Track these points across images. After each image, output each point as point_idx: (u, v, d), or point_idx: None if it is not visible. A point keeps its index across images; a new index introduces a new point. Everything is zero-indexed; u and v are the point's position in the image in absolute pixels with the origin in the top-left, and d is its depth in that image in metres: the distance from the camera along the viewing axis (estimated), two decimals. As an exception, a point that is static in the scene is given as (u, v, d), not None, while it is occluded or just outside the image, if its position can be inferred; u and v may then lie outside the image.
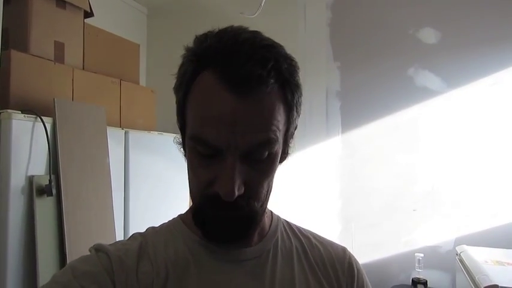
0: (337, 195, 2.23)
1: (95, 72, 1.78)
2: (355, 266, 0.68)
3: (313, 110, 2.27)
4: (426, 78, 2.10)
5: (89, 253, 0.60)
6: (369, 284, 0.70)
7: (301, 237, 0.70)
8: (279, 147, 0.56)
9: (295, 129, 0.63)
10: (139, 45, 2.05)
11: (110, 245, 0.61)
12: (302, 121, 2.34)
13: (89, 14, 1.79)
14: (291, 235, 0.69)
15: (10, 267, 1.37)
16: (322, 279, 0.64)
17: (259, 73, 0.50)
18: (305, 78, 2.28)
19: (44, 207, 1.46)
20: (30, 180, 1.44)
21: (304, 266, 0.65)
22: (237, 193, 0.51)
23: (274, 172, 0.59)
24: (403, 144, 2.14)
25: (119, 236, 1.75)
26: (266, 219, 0.68)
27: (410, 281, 1.94)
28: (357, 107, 2.21)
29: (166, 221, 0.70)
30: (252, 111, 0.51)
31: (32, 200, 1.44)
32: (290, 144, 0.64)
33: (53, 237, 1.48)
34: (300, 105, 0.60)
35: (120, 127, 1.88)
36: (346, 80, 2.24)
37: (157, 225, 0.68)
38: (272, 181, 0.59)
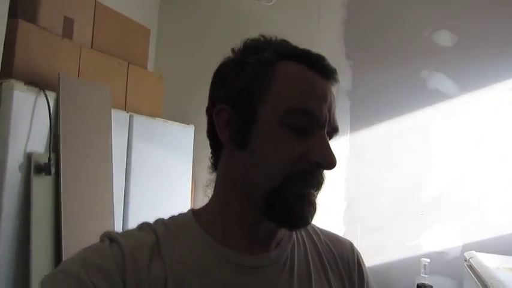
0: (343, 196, 2.17)
1: (102, 52, 1.72)
2: (362, 264, 0.73)
3: (322, 107, 2.22)
4: (439, 81, 2.06)
5: (100, 240, 0.58)
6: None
7: (312, 235, 0.71)
8: None
9: None
10: (150, 30, 2.00)
11: (122, 235, 0.58)
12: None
13: (100, -8, 1.74)
14: (304, 235, 0.70)
15: (2, 247, 1.29)
16: (336, 281, 0.66)
17: (335, 68, 0.61)
18: (316, 74, 2.24)
19: (42, 186, 1.39)
20: (29, 157, 1.37)
21: (319, 269, 0.66)
22: (336, 162, 0.57)
23: None
24: (413, 148, 2.09)
25: (118, 222, 1.67)
26: None
27: (415, 286, 1.88)
28: (367, 107, 2.17)
29: (177, 215, 0.65)
30: (334, 97, 0.61)
31: (29, 177, 1.36)
32: None
33: (49, 218, 1.41)
34: None
35: (125, 110, 1.81)
36: (358, 80, 2.19)
37: (166, 218, 0.64)
38: None
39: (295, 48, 0.62)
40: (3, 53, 1.32)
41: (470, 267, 1.62)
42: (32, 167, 1.37)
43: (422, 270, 1.88)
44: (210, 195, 0.66)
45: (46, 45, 1.50)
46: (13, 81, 1.31)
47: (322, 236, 0.72)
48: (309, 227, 0.72)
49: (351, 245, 0.74)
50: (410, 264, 2.00)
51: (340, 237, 0.75)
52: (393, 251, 2.05)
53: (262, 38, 0.64)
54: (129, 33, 1.88)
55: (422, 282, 1.86)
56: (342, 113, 2.21)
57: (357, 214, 2.14)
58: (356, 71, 2.19)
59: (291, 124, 0.56)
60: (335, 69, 0.61)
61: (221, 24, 2.43)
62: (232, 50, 0.64)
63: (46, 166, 1.39)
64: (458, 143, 2.02)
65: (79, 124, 1.53)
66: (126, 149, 1.77)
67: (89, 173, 1.55)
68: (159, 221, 0.62)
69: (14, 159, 1.33)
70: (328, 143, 0.58)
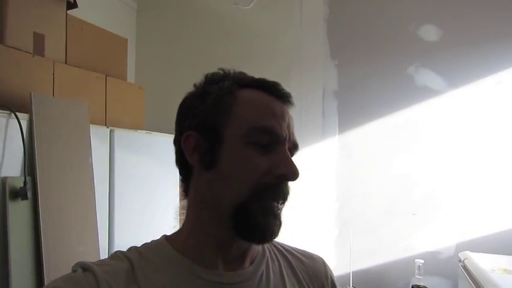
0: (334, 198, 2.14)
1: (78, 67, 1.66)
2: (334, 279, 0.76)
3: (309, 109, 2.18)
4: (427, 77, 2.02)
5: (72, 271, 0.59)
6: None
7: (285, 253, 0.74)
8: None
9: None
10: (127, 40, 1.94)
11: (96, 264, 0.59)
12: (297, 121, 2.25)
13: (72, 5, 1.68)
14: (277, 252, 0.73)
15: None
16: None
17: (289, 93, 0.67)
18: (301, 76, 2.19)
19: (19, 211, 1.35)
20: (3, 182, 1.32)
21: (294, 283, 0.69)
22: (299, 173, 0.61)
23: None
24: (403, 146, 2.06)
25: (103, 243, 1.63)
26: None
27: (410, 287, 1.86)
28: (354, 106, 2.13)
29: (149, 242, 0.67)
30: (292, 119, 0.66)
31: (5, 203, 1.32)
32: None
33: (29, 245, 1.37)
34: None
35: (106, 125, 1.76)
36: (344, 79, 2.15)
37: (139, 246, 0.66)
38: None
39: (253, 77, 0.68)
40: (-31, 77, 1.28)
41: (465, 268, 1.60)
42: (8, 192, 1.33)
43: (416, 271, 1.86)
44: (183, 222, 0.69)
45: (16, 65, 1.44)
46: (-19, 106, 1.27)
47: (294, 253, 0.76)
48: (281, 246, 0.76)
49: (323, 261, 0.78)
50: (405, 266, 1.97)
51: (313, 253, 0.79)
52: (387, 252, 2.02)
53: (221, 71, 0.69)
54: (105, 45, 1.82)
55: (417, 283, 1.84)
56: (329, 113, 2.16)
57: (349, 215, 2.11)
58: (341, 70, 2.14)
59: (254, 142, 0.61)
60: (289, 94, 0.67)
61: (201, 31, 2.37)
62: (194, 85, 0.69)
63: (22, 190, 1.35)
64: (449, 140, 1.98)
65: (55, 144, 1.48)
66: (108, 165, 1.73)
67: (69, 193, 1.51)
68: (132, 249, 0.64)
69: (-12, 185, 1.29)
70: (290, 156, 0.63)
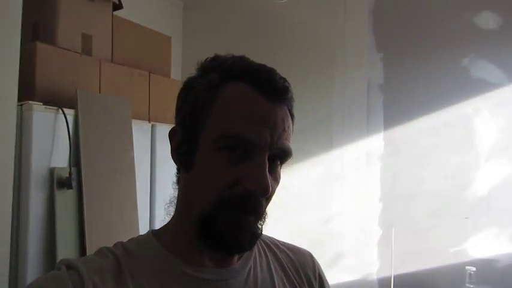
0: (378, 198, 2.05)
1: (123, 65, 1.75)
2: (322, 272, 0.74)
3: (353, 105, 2.10)
4: (484, 69, 1.85)
5: (56, 269, 0.57)
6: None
7: (273, 247, 0.72)
8: None
9: None
10: (171, 38, 2.01)
11: (80, 261, 0.57)
12: (340, 117, 2.19)
13: (118, 6, 1.78)
14: (264, 247, 0.71)
15: (31, 259, 1.37)
16: (297, 285, 0.68)
17: (286, 85, 0.59)
18: (344, 70, 2.12)
19: (64, 200, 1.45)
20: (52, 172, 1.44)
21: (282, 277, 0.68)
22: (270, 190, 0.55)
23: None
24: (455, 144, 1.91)
25: (143, 233, 1.71)
26: None
27: (459, 297, 1.73)
28: (402, 101, 2.01)
29: (136, 237, 0.65)
30: (283, 118, 0.58)
31: (52, 192, 1.43)
32: None
33: (73, 231, 1.47)
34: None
35: (149, 120, 1.84)
36: (390, 73, 2.04)
37: (125, 241, 0.63)
38: None
39: (246, 66, 0.60)
40: (24, 76, 1.39)
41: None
42: (55, 182, 1.44)
43: (467, 279, 1.73)
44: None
45: (66, 64, 1.56)
46: (31, 103, 1.38)
47: (281, 247, 0.73)
48: (268, 240, 0.73)
49: (311, 255, 0.76)
50: (454, 273, 1.83)
51: (300, 247, 0.77)
52: (434, 257, 1.89)
53: (216, 58, 0.62)
54: (150, 43, 1.90)
55: (467, 292, 1.71)
56: (374, 108, 2.07)
57: (393, 217, 2.00)
58: (387, 63, 2.04)
59: (226, 149, 0.56)
60: (286, 88, 0.59)
61: (245, 26, 2.38)
62: (197, 69, 0.64)
63: (67, 180, 1.46)
64: (508, 137, 1.80)
65: (99, 138, 1.58)
66: (149, 159, 1.81)
67: (112, 185, 1.60)
68: (118, 244, 0.62)
69: (38, 174, 1.40)
70: (264, 168, 0.55)
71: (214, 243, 0.57)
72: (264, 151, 0.55)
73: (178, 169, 0.65)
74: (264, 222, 0.60)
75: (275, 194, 0.61)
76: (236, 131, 0.55)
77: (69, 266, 0.56)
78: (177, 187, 0.66)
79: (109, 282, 0.55)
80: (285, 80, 0.60)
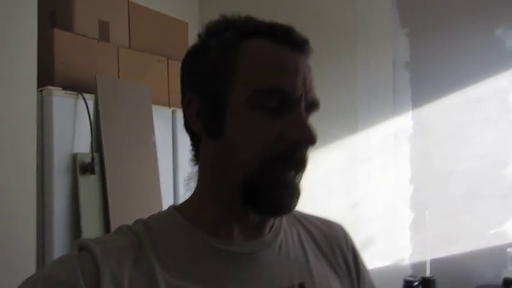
0: (408, 179, 1.96)
1: (141, 51, 1.74)
2: (354, 245, 0.71)
3: (377, 83, 2.02)
4: (519, 38, 1.74)
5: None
6: None
7: (302, 220, 0.69)
8: None
9: None
10: (187, 23, 1.99)
11: (97, 242, 0.53)
12: (365, 97, 2.10)
13: (134, -8, 1.77)
14: (293, 220, 0.67)
15: (56, 245, 1.37)
16: (330, 258, 0.65)
17: (307, 39, 0.57)
18: (367, 48, 2.04)
19: (88, 185, 1.45)
20: (74, 157, 1.44)
21: (313, 249, 0.65)
22: (316, 137, 0.53)
23: None
24: (490, 120, 1.80)
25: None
26: None
27: (501, 280, 1.62)
28: (430, 78, 1.91)
29: (156, 213, 0.61)
30: (309, 69, 0.57)
31: (76, 177, 1.43)
32: None
33: (98, 216, 1.47)
34: None
35: (169, 106, 1.83)
36: (417, 49, 1.94)
37: (145, 218, 0.59)
38: None
39: (259, 23, 0.58)
40: (44, 63, 1.40)
41: None
42: (78, 167, 1.44)
43: (509, 262, 1.62)
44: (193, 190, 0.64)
45: (84, 50, 1.56)
46: (51, 87, 1.39)
47: (311, 219, 0.70)
48: (295, 213, 0.68)
49: (342, 227, 0.73)
50: (494, 255, 1.72)
51: (330, 220, 0.73)
52: (471, 239, 1.79)
53: (224, 19, 0.59)
54: (166, 29, 1.89)
55: (510, 276, 1.60)
56: (401, 87, 1.98)
57: (426, 198, 1.91)
58: (414, 39, 1.94)
59: (261, 106, 0.53)
60: (306, 40, 0.57)
61: (264, 9, 2.33)
62: (198, 35, 0.60)
63: (90, 165, 1.45)
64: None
65: (120, 123, 1.57)
66: (171, 144, 1.79)
67: (134, 169, 1.59)
68: (138, 221, 0.58)
69: (61, 160, 1.40)
70: (306, 118, 0.54)
71: (261, 205, 0.54)
72: (300, 102, 0.54)
73: (195, 142, 0.61)
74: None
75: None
76: (271, 84, 0.53)
77: (83, 246, 0.51)
78: (195, 162, 0.62)
79: (128, 263, 0.50)
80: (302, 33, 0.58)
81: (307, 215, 0.71)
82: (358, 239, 2.07)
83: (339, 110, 2.07)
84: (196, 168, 0.62)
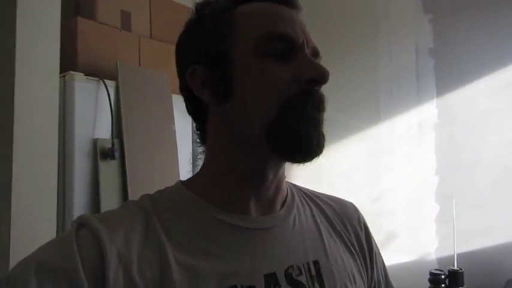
0: (434, 170, 1.89)
1: (161, 41, 1.76)
2: (366, 224, 0.70)
3: (400, 71, 1.97)
4: (550, 20, 1.66)
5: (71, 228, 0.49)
6: None
7: (314, 198, 0.68)
8: None
9: None
10: (207, 15, 2.01)
11: (99, 219, 0.49)
12: (388, 85, 2.06)
13: (155, -17, 1.80)
14: (305, 198, 0.66)
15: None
16: (344, 236, 0.64)
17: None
18: (389, 35, 2.00)
19: (108, 170, 1.47)
20: (95, 143, 1.46)
21: (327, 226, 0.64)
22: (328, 73, 0.52)
23: None
24: (519, 106, 1.72)
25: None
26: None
27: (534, 274, 1.54)
28: (455, 64, 1.85)
29: (163, 188, 0.59)
30: (302, 21, 0.57)
31: (96, 162, 1.45)
32: None
33: (117, 200, 1.48)
34: None
35: (188, 96, 1.84)
36: (441, 35, 1.89)
37: (152, 193, 0.57)
38: None
39: None
40: (66, 50, 1.43)
41: None
42: (98, 153, 1.46)
43: (542, 253, 1.53)
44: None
45: (106, 39, 1.59)
46: (73, 73, 1.41)
47: (323, 198, 0.69)
48: (307, 191, 0.69)
49: (354, 206, 0.72)
50: (526, 247, 1.64)
51: (342, 198, 0.73)
52: (502, 232, 1.70)
53: None
54: (186, 20, 1.90)
55: (543, 268, 1.51)
56: (425, 74, 1.92)
57: (452, 189, 1.83)
58: (437, 24, 1.89)
59: (269, 52, 0.53)
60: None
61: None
62: (193, 11, 0.62)
63: (110, 151, 1.47)
64: None
65: (140, 110, 1.59)
66: (191, 133, 1.80)
67: (154, 156, 1.60)
68: (145, 197, 0.56)
69: (82, 145, 1.43)
70: (313, 59, 0.54)
71: (290, 144, 0.52)
72: (303, 48, 0.54)
73: (199, 121, 0.61)
74: None
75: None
76: (273, 30, 0.53)
77: (83, 224, 0.48)
78: (203, 141, 0.61)
79: (136, 242, 0.48)
80: None
81: (318, 193, 0.70)
82: (382, 232, 2.02)
83: (360, 100, 2.04)
84: (202, 148, 0.61)
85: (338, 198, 0.72)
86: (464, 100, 1.83)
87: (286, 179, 0.63)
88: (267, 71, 0.52)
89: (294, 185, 0.68)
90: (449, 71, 1.87)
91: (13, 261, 1.19)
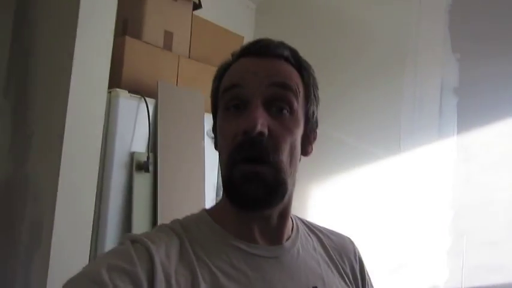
0: (449, 205, 1.95)
1: (199, 61, 1.86)
2: (361, 256, 0.77)
3: (424, 106, 2.03)
4: None
5: (119, 244, 0.58)
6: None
7: (315, 231, 0.75)
8: (299, 110, 0.62)
9: (315, 119, 0.68)
10: (243, 38, 2.10)
11: (145, 236, 0.58)
12: (409, 117, 2.12)
13: (197, 5, 1.90)
14: (308, 230, 0.74)
15: (109, 233, 1.49)
16: (340, 269, 0.71)
17: (276, 44, 0.65)
18: (416, 71, 2.07)
19: (142, 182, 1.57)
20: (132, 155, 1.56)
21: (325, 258, 0.71)
22: (259, 126, 0.55)
23: (297, 136, 0.62)
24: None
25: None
26: (290, 220, 0.70)
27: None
28: (478, 104, 1.91)
29: (190, 214, 0.67)
30: (272, 64, 0.62)
31: (131, 174, 1.55)
32: (312, 129, 0.67)
33: (148, 210, 1.58)
34: (318, 97, 0.68)
35: (219, 115, 1.93)
36: (467, 74, 1.95)
37: (181, 218, 0.66)
38: (295, 148, 0.61)
39: (247, 44, 0.67)
40: (113, 66, 1.52)
41: None
42: (134, 165, 1.56)
43: (549, 297, 1.58)
44: None
45: (149, 57, 1.69)
46: (118, 90, 1.52)
47: (324, 231, 0.77)
48: (310, 224, 0.77)
49: (350, 240, 0.80)
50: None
51: (340, 232, 0.80)
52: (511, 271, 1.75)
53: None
54: (224, 42, 2.00)
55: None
56: (447, 111, 1.99)
57: (466, 226, 1.89)
58: (464, 64, 1.95)
59: (227, 105, 0.61)
60: (273, 44, 0.64)
61: (317, 28, 2.40)
62: None
63: (145, 164, 1.57)
64: None
65: (175, 127, 1.68)
66: (218, 150, 1.88)
67: (183, 171, 1.70)
68: (175, 221, 0.65)
69: (120, 157, 1.53)
70: (254, 110, 0.57)
71: (232, 200, 0.59)
72: (255, 97, 0.59)
73: None
74: (285, 174, 0.59)
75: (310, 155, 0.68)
76: (227, 83, 0.62)
77: (134, 240, 0.56)
78: None
79: (174, 256, 0.56)
80: (282, 44, 0.66)
81: (321, 227, 0.78)
82: (393, 261, 2.08)
83: (382, 130, 2.11)
84: None
85: (338, 232, 0.79)
86: (483, 140, 1.89)
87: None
88: (224, 125, 0.62)
89: (299, 219, 0.76)
90: (471, 110, 1.93)
91: (53, 261, 1.30)
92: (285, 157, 0.59)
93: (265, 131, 0.57)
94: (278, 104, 0.60)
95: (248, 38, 2.19)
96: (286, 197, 0.61)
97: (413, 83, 2.05)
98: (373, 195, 2.14)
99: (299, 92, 0.62)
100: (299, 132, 0.62)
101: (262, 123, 0.56)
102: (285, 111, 0.60)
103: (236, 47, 2.09)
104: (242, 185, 0.57)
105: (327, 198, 2.14)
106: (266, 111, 0.59)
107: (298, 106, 0.62)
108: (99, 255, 0.60)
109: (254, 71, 0.60)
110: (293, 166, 0.61)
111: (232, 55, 0.68)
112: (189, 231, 0.62)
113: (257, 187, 0.57)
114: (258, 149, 0.57)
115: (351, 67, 2.24)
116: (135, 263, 0.52)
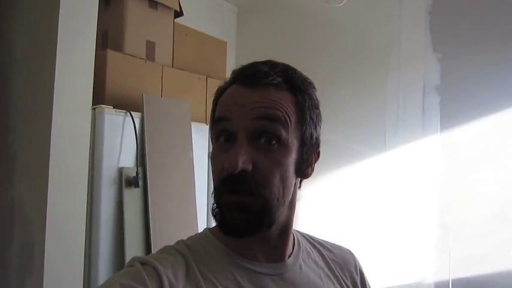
0: (435, 201, 2.00)
1: (182, 70, 1.84)
2: (362, 268, 0.79)
3: (407, 105, 2.07)
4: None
5: (127, 266, 0.60)
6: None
7: (317, 245, 0.77)
8: (290, 138, 0.60)
9: (315, 140, 0.66)
10: (226, 43, 2.08)
11: (153, 258, 0.59)
12: (394, 116, 2.16)
13: (179, 13, 1.87)
14: (309, 245, 0.76)
15: (101, 249, 1.48)
16: (342, 282, 0.72)
17: (265, 70, 0.61)
18: (399, 71, 2.10)
19: (132, 197, 1.55)
20: (120, 171, 1.54)
21: (328, 273, 0.72)
22: (240, 164, 0.56)
23: (288, 166, 0.61)
24: (518, 146, 1.83)
25: (202, 227, 1.78)
26: (291, 236, 0.70)
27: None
28: (460, 102, 1.95)
29: (194, 235, 0.69)
30: (259, 94, 0.60)
31: (121, 190, 1.53)
32: (310, 151, 0.65)
33: (140, 224, 1.57)
34: (317, 116, 0.66)
35: (206, 122, 1.92)
36: (448, 73, 1.99)
37: (185, 239, 0.67)
38: (286, 177, 0.61)
39: (238, 69, 0.65)
40: (96, 82, 1.49)
41: None
42: (123, 181, 1.54)
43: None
44: None
45: (132, 70, 1.66)
46: (103, 106, 1.49)
47: (325, 245, 0.78)
48: (311, 238, 0.78)
49: (351, 252, 0.81)
50: (517, 279, 1.76)
51: (341, 245, 0.81)
52: (496, 261, 1.82)
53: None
54: (207, 48, 1.98)
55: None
56: (430, 109, 2.03)
57: (451, 220, 1.95)
58: (445, 63, 1.99)
59: (217, 136, 0.62)
60: (260, 72, 0.61)
61: (299, 32, 2.40)
62: None
63: (134, 179, 1.55)
64: None
65: (162, 139, 1.67)
66: (207, 159, 1.88)
67: (173, 184, 1.69)
68: (180, 242, 0.66)
69: (109, 174, 1.51)
70: (237, 146, 0.58)
71: (222, 228, 0.61)
72: (241, 131, 0.59)
73: None
74: (273, 205, 0.60)
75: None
76: (218, 114, 0.62)
77: (143, 262, 0.58)
78: None
79: (181, 276, 0.57)
80: (272, 67, 0.62)
81: (322, 240, 0.80)
82: (382, 256, 2.13)
83: (367, 129, 2.14)
84: None
85: (337, 245, 0.81)
86: (466, 136, 1.94)
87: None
88: (213, 156, 0.63)
89: (300, 233, 0.77)
90: (453, 108, 1.97)
91: (47, 269, 1.29)
92: (275, 189, 0.60)
93: (248, 167, 0.57)
94: (266, 135, 0.59)
95: (231, 42, 2.18)
96: (274, 225, 0.62)
97: (396, 82, 2.08)
98: (360, 193, 2.18)
99: (290, 120, 0.61)
100: (290, 161, 0.62)
101: (244, 160, 0.57)
102: (274, 142, 0.60)
103: (219, 53, 2.07)
104: (226, 213, 0.59)
105: (313, 197, 2.16)
106: (253, 144, 0.59)
107: (289, 134, 0.61)
108: (111, 277, 0.60)
109: (241, 104, 0.60)
110: (286, 195, 0.62)
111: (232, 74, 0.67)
112: (194, 251, 0.63)
113: (240, 216, 0.59)
114: (240, 184, 0.58)
115: (334, 68, 2.25)
116: (147, 283, 0.53)
